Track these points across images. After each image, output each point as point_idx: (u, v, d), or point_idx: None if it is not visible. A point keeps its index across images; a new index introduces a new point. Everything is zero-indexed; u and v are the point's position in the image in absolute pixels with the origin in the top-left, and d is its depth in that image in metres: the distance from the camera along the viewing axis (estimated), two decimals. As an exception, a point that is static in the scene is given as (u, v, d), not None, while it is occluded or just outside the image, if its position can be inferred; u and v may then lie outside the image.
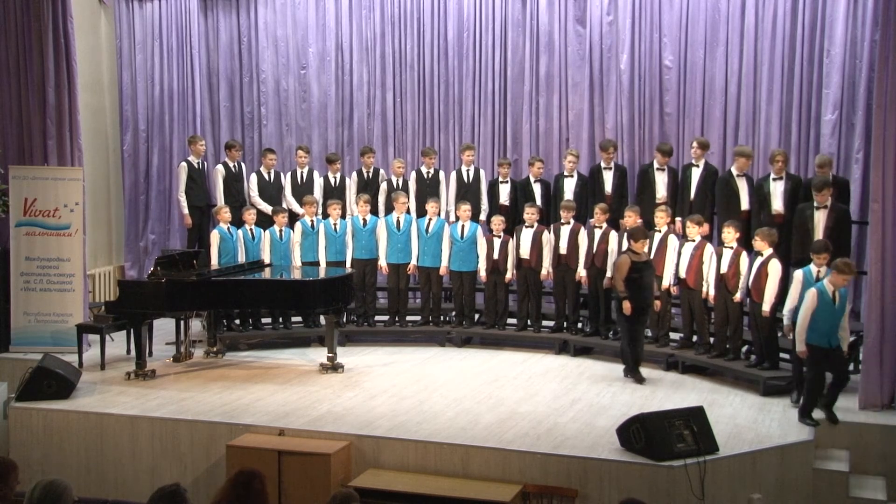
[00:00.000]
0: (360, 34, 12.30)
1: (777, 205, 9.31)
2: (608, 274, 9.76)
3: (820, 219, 8.68)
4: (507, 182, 10.84)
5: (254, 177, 11.20)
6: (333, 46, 12.38)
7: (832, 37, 10.08)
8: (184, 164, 11.33)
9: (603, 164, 10.47)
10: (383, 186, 11.12)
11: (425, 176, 11.09)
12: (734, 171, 9.62)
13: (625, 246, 9.27)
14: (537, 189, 10.69)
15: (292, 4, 12.49)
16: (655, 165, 10.20)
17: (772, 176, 9.39)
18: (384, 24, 12.20)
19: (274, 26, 12.55)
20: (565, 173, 10.59)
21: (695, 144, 10.02)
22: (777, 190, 9.32)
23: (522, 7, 11.64)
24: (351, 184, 11.23)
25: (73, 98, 10.32)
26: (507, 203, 10.78)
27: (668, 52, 10.99)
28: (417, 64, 12.13)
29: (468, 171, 10.98)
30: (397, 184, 11.05)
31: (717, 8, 10.74)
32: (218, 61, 12.77)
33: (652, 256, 9.40)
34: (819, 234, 8.59)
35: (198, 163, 11.35)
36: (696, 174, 9.91)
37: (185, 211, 11.20)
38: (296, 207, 10.96)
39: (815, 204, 8.70)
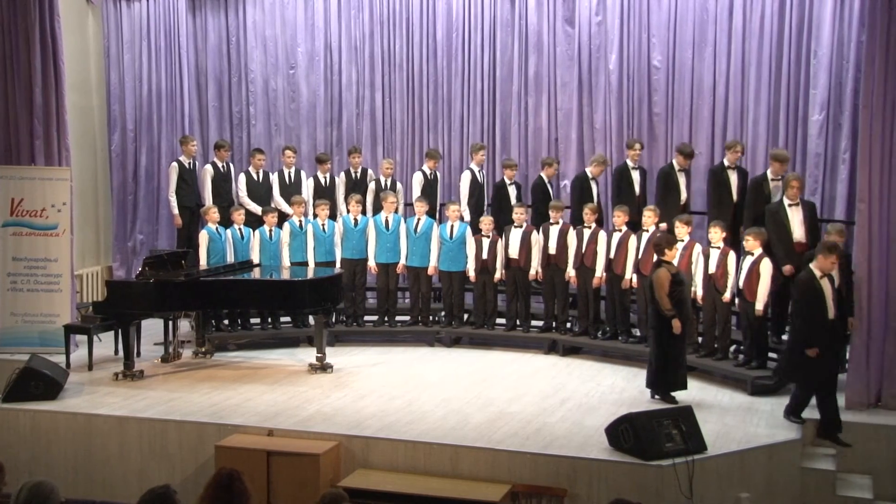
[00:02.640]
0: (349, 34, 12.29)
1: (798, 233, 8.85)
2: (597, 274, 9.79)
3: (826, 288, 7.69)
4: (513, 184, 10.82)
5: (242, 177, 11.18)
6: (322, 46, 12.36)
7: (819, 38, 10.12)
8: (175, 164, 11.30)
9: (630, 164, 10.33)
10: (371, 186, 11.11)
11: (429, 177, 11.09)
12: (769, 175, 9.32)
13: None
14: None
15: (281, 4, 12.46)
16: (676, 167, 10.00)
17: (787, 202, 8.92)
18: (373, 24, 12.18)
19: (262, 26, 12.52)
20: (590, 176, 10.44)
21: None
22: (795, 217, 8.87)
23: (511, 7, 11.64)
24: (339, 184, 11.22)
25: (60, 98, 10.27)
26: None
27: (657, 52, 11.01)
28: (406, 64, 12.12)
29: (479, 171, 10.99)
30: (386, 184, 11.05)
31: (705, 8, 10.76)
32: (206, 61, 12.73)
33: (640, 257, 9.44)
34: (829, 302, 7.64)
35: (189, 163, 11.32)
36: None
37: (175, 211, 11.18)
38: (284, 207, 10.93)
39: (818, 274, 7.64)
